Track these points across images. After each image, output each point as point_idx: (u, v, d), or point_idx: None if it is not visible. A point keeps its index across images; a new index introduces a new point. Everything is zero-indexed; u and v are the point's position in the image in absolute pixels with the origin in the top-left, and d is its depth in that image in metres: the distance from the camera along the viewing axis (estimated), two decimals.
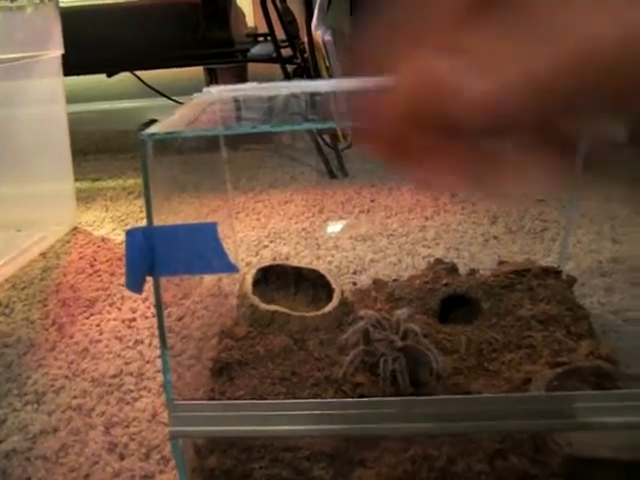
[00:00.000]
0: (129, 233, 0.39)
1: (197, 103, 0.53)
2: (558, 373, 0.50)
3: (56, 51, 0.97)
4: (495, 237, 0.90)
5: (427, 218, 0.99)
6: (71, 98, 1.06)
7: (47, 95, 1.00)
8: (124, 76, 1.59)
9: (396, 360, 0.49)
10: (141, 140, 0.37)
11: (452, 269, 0.68)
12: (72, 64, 1.01)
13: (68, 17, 0.99)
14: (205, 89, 0.57)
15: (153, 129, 0.39)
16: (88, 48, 1.25)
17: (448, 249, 0.86)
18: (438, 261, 0.70)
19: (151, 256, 0.38)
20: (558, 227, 0.91)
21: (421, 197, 1.08)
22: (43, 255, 0.94)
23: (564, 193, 0.81)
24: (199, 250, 0.38)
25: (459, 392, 0.50)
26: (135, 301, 0.77)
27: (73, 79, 1.22)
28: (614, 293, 0.72)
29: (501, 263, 0.70)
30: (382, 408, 0.42)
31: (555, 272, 0.67)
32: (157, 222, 0.39)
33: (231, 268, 0.39)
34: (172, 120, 0.44)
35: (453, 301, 0.64)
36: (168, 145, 0.41)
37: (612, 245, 0.85)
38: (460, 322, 0.61)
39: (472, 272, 0.69)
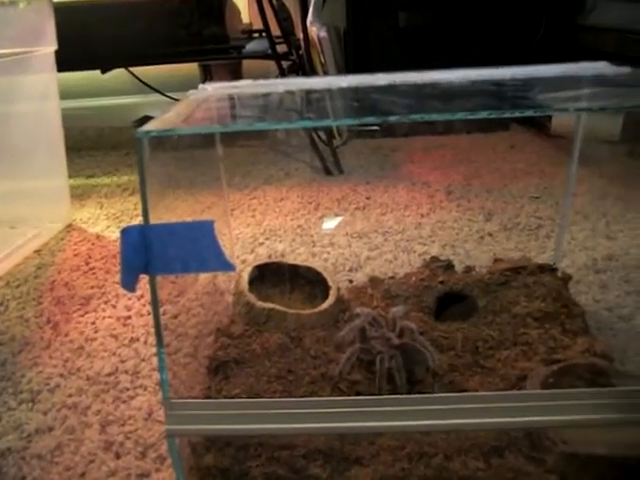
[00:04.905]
0: (124, 231, 0.38)
1: (192, 100, 0.52)
2: (553, 370, 0.51)
3: (49, 47, 0.97)
4: (490, 234, 0.90)
5: (423, 215, 0.99)
6: (65, 94, 1.05)
7: (40, 91, 0.99)
8: (118, 72, 1.58)
9: (392, 358, 0.49)
10: (137, 138, 0.37)
11: (448, 266, 0.69)
12: (66, 60, 1.00)
13: (62, 13, 0.99)
14: (200, 86, 0.57)
15: (149, 127, 0.38)
16: (82, 44, 1.24)
17: (444, 246, 0.86)
18: (434, 258, 0.70)
19: (146, 254, 0.38)
20: (553, 224, 0.91)
21: (416, 194, 1.08)
22: (37, 252, 0.94)
23: (558, 190, 0.81)
24: (195, 248, 0.38)
25: (455, 389, 0.50)
26: (130, 299, 0.76)
27: (67, 75, 1.21)
28: (609, 290, 0.72)
29: (497, 261, 0.71)
30: (378, 406, 0.42)
31: (550, 269, 0.67)
32: (153, 219, 0.39)
33: (228, 266, 0.38)
34: (167, 117, 0.44)
35: (449, 298, 0.64)
36: (163, 142, 0.41)
37: (606, 242, 0.85)
38: (456, 319, 0.61)
39: (468, 269, 0.69)
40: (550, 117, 1.37)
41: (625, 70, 0.54)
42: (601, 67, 0.56)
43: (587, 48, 1.37)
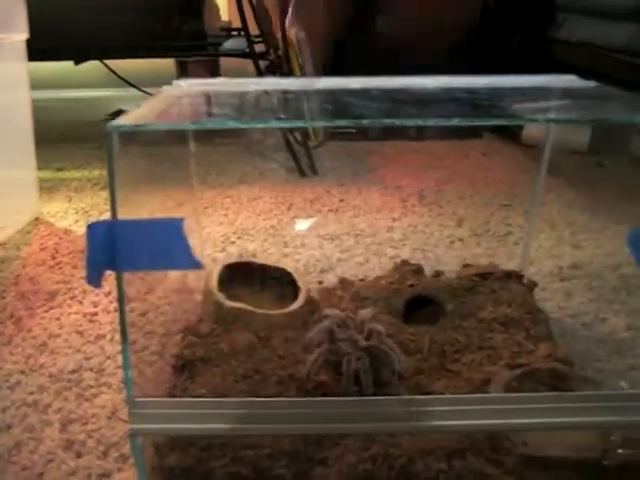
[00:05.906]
0: (90, 227, 0.38)
1: (166, 96, 0.52)
2: (516, 375, 0.52)
3: (20, 35, 0.94)
4: (460, 240, 0.91)
5: (395, 219, 1.00)
6: (36, 84, 1.03)
7: (10, 80, 0.97)
8: (92, 64, 1.55)
9: (359, 360, 0.49)
10: (107, 132, 0.36)
11: (418, 270, 0.69)
12: (38, 49, 0.98)
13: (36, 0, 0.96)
14: (175, 82, 0.56)
15: (120, 121, 0.38)
16: (55, 33, 1.22)
17: (414, 250, 0.87)
18: (404, 262, 0.71)
19: (113, 251, 0.37)
20: (521, 232, 0.93)
21: (389, 198, 1.09)
22: (2, 245, 0.91)
23: (528, 198, 0.83)
24: (163, 246, 0.37)
25: (420, 392, 0.50)
26: (97, 295, 0.75)
27: (38, 65, 1.18)
28: (573, 297, 0.74)
29: (465, 266, 0.72)
30: (344, 407, 0.42)
31: (517, 276, 0.68)
32: (122, 215, 0.38)
33: (195, 265, 0.38)
34: (139, 112, 0.43)
35: (418, 302, 0.64)
36: (134, 137, 0.40)
37: (572, 250, 0.87)
38: (424, 323, 0.62)
39: (437, 274, 0.70)
40: (522, 127, 1.40)
41: (591, 84, 0.55)
42: (569, 80, 0.58)
43: (557, 61, 1.41)
